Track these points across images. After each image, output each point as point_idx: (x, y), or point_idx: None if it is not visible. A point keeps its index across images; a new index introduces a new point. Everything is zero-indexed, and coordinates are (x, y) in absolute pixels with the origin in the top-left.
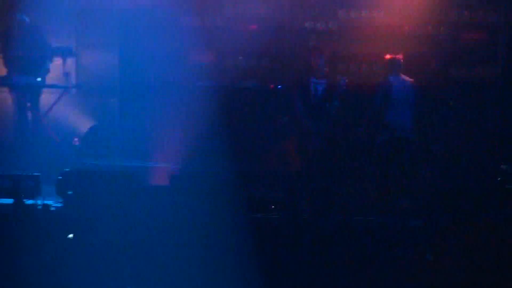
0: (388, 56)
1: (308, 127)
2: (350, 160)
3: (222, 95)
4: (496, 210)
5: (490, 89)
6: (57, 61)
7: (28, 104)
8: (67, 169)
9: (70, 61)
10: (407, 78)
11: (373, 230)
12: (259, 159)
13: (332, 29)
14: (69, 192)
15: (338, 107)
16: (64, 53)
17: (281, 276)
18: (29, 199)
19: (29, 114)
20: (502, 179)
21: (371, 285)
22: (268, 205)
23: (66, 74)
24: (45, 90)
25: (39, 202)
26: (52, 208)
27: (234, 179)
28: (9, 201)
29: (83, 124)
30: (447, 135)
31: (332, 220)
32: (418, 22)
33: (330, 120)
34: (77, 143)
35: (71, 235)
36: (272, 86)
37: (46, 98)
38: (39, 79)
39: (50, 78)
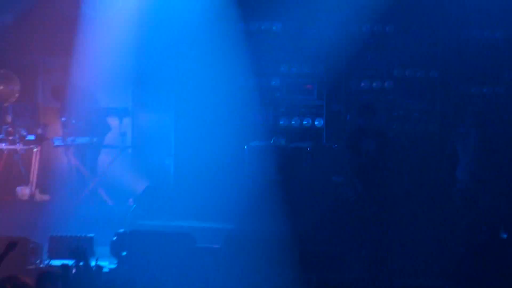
0: None
1: (357, 188)
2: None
3: (277, 154)
4: None
5: None
6: (114, 121)
7: (84, 164)
8: (121, 230)
9: (126, 120)
10: None
11: None
12: (313, 219)
13: (386, 87)
14: (123, 253)
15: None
16: (121, 113)
17: None
18: (83, 260)
19: (86, 174)
20: None
21: None
22: (323, 263)
23: (122, 134)
24: (102, 150)
25: (93, 263)
26: (106, 270)
27: (288, 238)
28: (66, 262)
29: (138, 184)
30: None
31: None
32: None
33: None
34: (132, 204)
35: None
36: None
37: (103, 158)
38: (95, 139)
39: (107, 138)
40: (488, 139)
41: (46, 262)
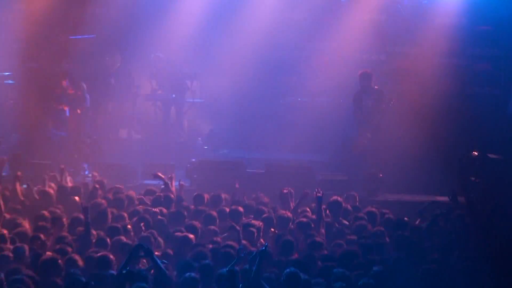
0: None
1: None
2: None
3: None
4: None
5: None
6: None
7: (169, 113)
8: (193, 159)
9: (196, 82)
10: None
11: None
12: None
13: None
14: (194, 176)
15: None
16: (192, 77)
17: None
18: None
19: (170, 120)
20: None
21: None
22: None
23: (193, 92)
24: (180, 102)
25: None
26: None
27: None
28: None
29: (204, 127)
30: None
31: None
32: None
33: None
34: (200, 141)
35: None
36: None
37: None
38: (173, 95)
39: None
40: None
41: (140, 182)
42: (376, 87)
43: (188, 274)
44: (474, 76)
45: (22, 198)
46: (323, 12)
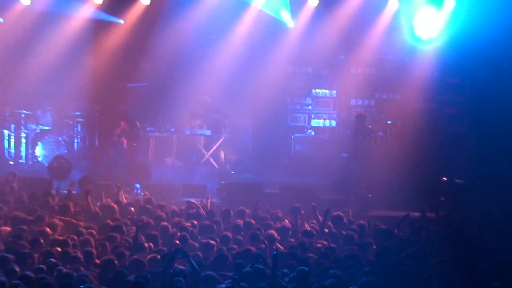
0: None
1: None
2: None
3: None
4: None
5: None
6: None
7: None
8: (223, 182)
9: (227, 121)
10: None
11: None
12: None
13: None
14: (224, 195)
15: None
16: (226, 116)
17: None
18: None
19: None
20: None
21: None
22: None
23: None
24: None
25: None
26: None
27: None
28: None
29: (232, 156)
30: None
31: None
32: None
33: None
34: (228, 167)
35: None
36: None
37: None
38: (211, 131)
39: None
40: None
41: (181, 199)
42: (369, 126)
43: (208, 272)
44: (444, 117)
45: (93, 210)
46: (325, 67)
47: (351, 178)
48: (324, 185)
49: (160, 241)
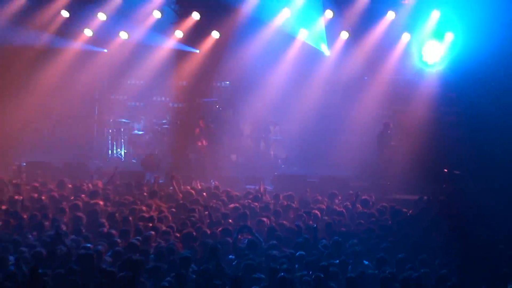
0: None
1: None
2: None
3: None
4: None
5: None
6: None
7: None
8: (275, 173)
9: (278, 127)
10: None
11: None
12: None
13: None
14: (276, 183)
15: None
16: (275, 123)
17: None
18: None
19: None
20: None
21: None
22: None
23: (275, 133)
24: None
25: None
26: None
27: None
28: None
29: (284, 153)
30: None
31: None
32: None
33: None
34: (280, 162)
35: None
36: None
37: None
38: (263, 135)
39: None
40: None
41: (243, 186)
42: (389, 131)
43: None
44: (445, 123)
45: (178, 192)
46: (353, 87)
47: (374, 169)
48: (354, 174)
49: (230, 220)
